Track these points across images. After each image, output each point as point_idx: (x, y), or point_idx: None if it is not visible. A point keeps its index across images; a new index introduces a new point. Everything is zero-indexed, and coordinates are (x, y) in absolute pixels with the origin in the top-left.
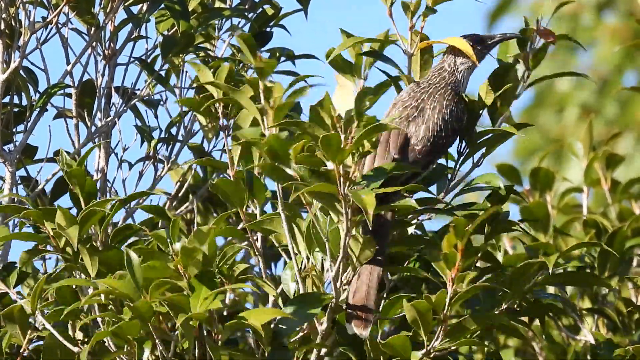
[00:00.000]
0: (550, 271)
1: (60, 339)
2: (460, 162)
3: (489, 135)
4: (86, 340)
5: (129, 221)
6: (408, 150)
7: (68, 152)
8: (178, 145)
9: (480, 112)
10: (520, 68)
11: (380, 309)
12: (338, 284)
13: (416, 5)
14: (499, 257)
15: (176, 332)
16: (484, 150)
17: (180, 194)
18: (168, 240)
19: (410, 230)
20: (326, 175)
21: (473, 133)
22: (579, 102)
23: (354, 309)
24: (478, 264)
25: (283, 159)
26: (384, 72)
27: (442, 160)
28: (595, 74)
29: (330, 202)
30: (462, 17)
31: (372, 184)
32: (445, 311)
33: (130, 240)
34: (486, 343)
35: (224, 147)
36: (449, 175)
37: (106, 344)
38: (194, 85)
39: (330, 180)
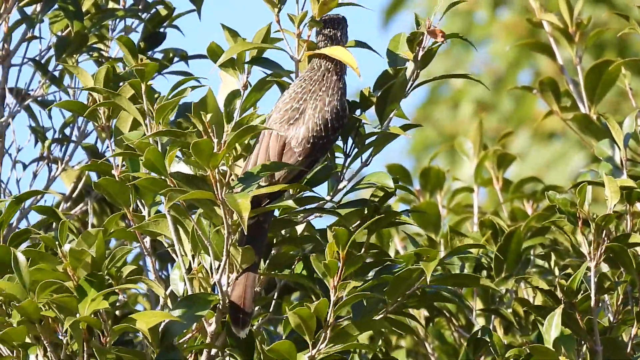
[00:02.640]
0: (428, 278)
1: None
2: (349, 162)
3: (376, 136)
4: None
5: (23, 222)
6: (289, 155)
7: None
8: (72, 145)
9: (362, 113)
10: (410, 66)
11: (271, 309)
12: (224, 286)
13: (302, 16)
14: (391, 254)
15: (65, 335)
16: (372, 149)
17: (74, 195)
18: (57, 242)
19: (300, 229)
20: (203, 181)
21: (359, 134)
22: (474, 98)
23: (233, 308)
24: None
25: (161, 169)
26: (264, 72)
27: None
28: (491, 71)
29: (209, 207)
30: (357, 13)
31: (248, 187)
32: (328, 318)
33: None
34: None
35: None
36: (339, 174)
37: None
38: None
39: (207, 185)
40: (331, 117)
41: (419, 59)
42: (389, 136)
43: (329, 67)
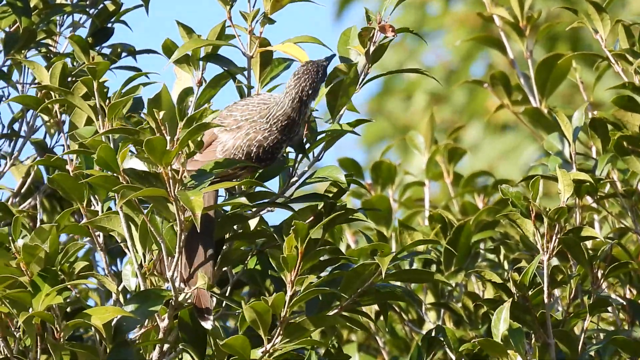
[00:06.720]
0: (383, 273)
1: None
2: (300, 157)
3: (326, 132)
4: None
5: None
6: (210, 156)
7: None
8: (21, 141)
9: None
10: (362, 61)
11: (223, 305)
12: (177, 282)
13: (254, 13)
14: (342, 248)
15: (18, 330)
16: (323, 144)
17: (23, 190)
18: (10, 237)
19: (253, 224)
20: (156, 178)
21: (310, 128)
22: (427, 90)
23: (196, 303)
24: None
25: (113, 166)
26: (222, 65)
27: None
28: (444, 63)
29: (162, 204)
30: (310, 5)
31: (200, 184)
32: (284, 313)
33: None
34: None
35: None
36: (290, 170)
37: None
38: (35, 83)
39: (160, 182)
40: (257, 150)
41: (370, 53)
42: (340, 132)
43: (286, 99)
